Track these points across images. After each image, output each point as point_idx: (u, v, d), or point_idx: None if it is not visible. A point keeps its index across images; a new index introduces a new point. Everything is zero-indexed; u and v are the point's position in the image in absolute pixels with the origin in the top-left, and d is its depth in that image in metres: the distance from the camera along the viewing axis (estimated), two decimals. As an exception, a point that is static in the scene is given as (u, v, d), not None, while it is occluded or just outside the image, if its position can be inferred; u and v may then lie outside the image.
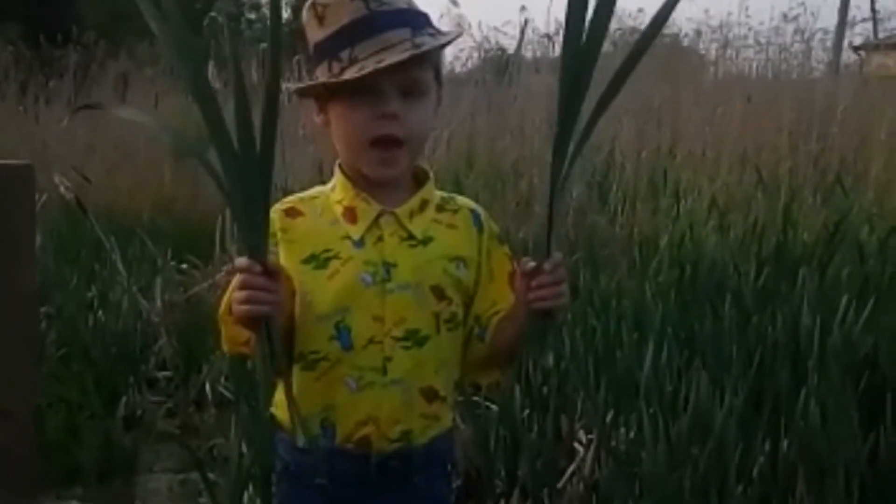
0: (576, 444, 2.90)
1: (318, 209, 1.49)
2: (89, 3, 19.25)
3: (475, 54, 8.38)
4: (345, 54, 1.39)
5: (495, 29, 8.48)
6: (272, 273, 1.29)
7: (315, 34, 1.44)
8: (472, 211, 1.55)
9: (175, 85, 8.55)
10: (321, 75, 1.43)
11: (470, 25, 7.57)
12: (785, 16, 8.23)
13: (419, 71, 1.43)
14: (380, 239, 1.46)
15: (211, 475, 2.92)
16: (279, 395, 1.50)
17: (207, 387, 3.88)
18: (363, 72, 1.36)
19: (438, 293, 1.46)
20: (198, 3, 15.35)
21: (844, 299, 2.67)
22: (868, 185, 4.71)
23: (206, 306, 4.50)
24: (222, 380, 3.92)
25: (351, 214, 1.46)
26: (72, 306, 4.18)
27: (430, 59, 1.44)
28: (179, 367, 4.05)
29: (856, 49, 11.08)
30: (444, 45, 1.48)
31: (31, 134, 8.38)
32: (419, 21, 1.43)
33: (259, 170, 1.25)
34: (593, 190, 5.58)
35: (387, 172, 1.45)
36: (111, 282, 4.55)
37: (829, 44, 9.09)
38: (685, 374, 2.61)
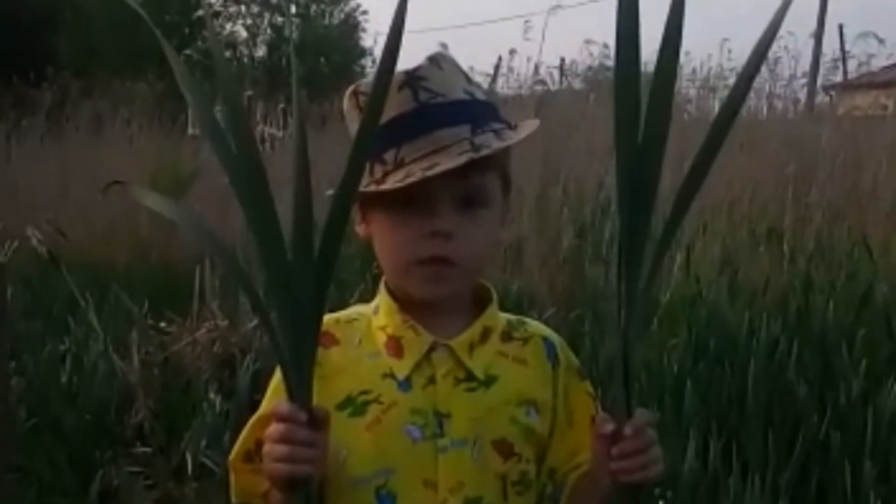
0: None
1: (357, 337, 1.23)
2: (64, 40, 19.05)
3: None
4: (390, 155, 1.16)
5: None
6: (318, 422, 1.04)
7: (356, 127, 1.15)
8: (546, 339, 1.28)
9: (151, 125, 8.38)
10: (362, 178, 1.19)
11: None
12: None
13: (480, 177, 1.18)
14: (431, 380, 1.19)
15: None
16: None
17: (188, 456, 3.65)
18: (409, 180, 1.13)
19: (504, 449, 1.20)
20: (173, 40, 15.19)
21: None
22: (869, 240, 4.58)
23: (185, 365, 4.30)
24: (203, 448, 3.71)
25: (396, 346, 1.20)
26: (43, 370, 3.94)
27: (494, 161, 1.18)
28: (157, 434, 3.81)
29: (826, 89, 11.09)
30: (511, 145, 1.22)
31: (1, 174, 8.17)
32: (481, 114, 1.19)
33: (316, 288, 1.00)
34: (585, 238, 5.41)
35: (437, 290, 1.19)
36: (85, 340, 4.32)
37: (801, 83, 9.11)
38: (722, 465, 2.41)
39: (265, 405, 1.21)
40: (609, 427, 1.08)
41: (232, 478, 1.23)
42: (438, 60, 1.20)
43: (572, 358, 1.29)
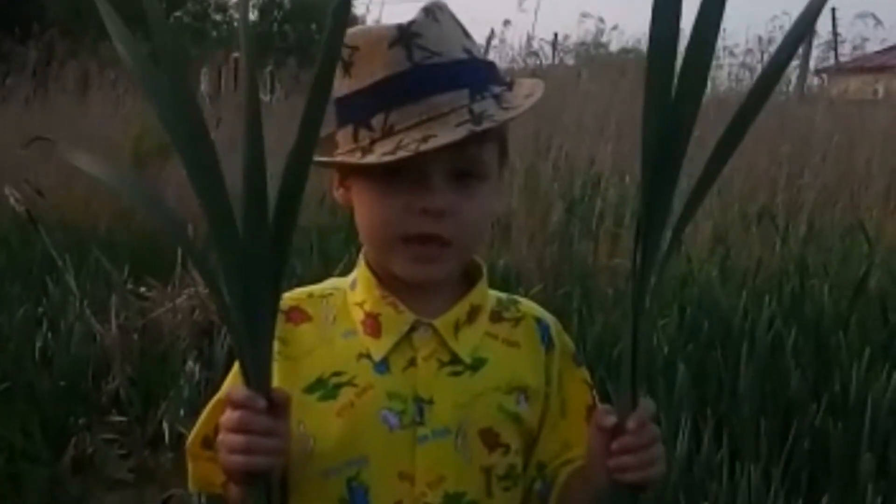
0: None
1: (331, 313, 1.10)
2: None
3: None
4: (377, 121, 1.03)
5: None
6: (278, 409, 0.93)
7: (338, 85, 1.05)
8: (539, 321, 1.15)
9: (137, 88, 8.24)
10: (344, 143, 1.06)
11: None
12: (760, 38, 8.16)
13: (478, 148, 1.04)
14: (411, 363, 1.07)
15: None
16: None
17: (165, 426, 3.57)
18: (400, 154, 1.00)
19: (490, 440, 1.07)
20: (162, 2, 14.94)
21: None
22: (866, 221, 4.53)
23: (164, 332, 4.21)
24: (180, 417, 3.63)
25: (373, 324, 1.08)
26: (18, 332, 3.85)
27: (494, 130, 1.04)
28: (134, 402, 3.73)
29: (818, 72, 11.05)
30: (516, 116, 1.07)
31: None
32: (480, 76, 1.06)
33: (271, 262, 0.90)
34: (574, 214, 5.32)
35: (425, 272, 1.06)
36: (62, 302, 4.22)
37: (794, 65, 9.06)
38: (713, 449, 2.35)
39: (225, 386, 1.10)
40: (611, 420, 0.98)
41: (189, 465, 1.12)
42: (434, 12, 1.07)
43: (567, 342, 1.17)
